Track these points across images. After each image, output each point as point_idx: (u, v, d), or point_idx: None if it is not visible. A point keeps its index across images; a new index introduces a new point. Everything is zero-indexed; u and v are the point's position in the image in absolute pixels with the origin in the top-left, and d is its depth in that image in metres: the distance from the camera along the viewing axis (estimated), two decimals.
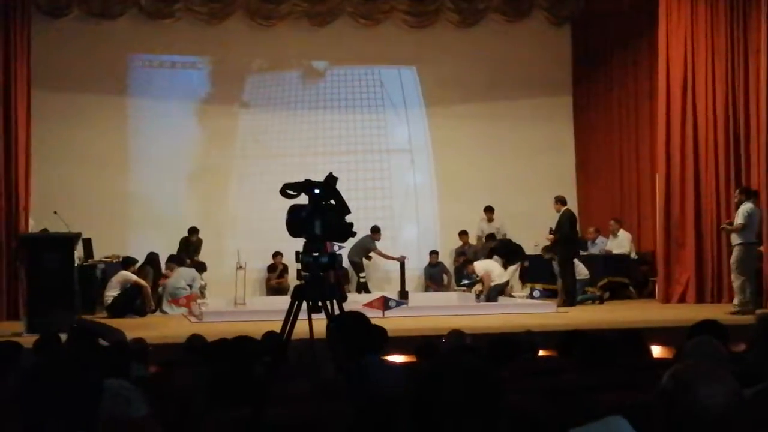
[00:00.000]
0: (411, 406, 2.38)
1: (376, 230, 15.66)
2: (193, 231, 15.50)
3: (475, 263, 14.40)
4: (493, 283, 13.74)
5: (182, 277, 13.67)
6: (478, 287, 14.33)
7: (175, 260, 14.28)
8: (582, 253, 14.80)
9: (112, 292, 13.04)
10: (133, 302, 13.05)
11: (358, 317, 4.47)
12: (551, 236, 13.70)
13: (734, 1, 13.34)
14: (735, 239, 11.81)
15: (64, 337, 6.74)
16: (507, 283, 14.30)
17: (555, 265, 13.84)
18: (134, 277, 13.20)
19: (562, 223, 13.61)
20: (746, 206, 11.74)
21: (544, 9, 17.14)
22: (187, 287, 13.59)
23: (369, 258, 15.85)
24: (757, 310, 11.19)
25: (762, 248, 12.41)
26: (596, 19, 16.81)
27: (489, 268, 14.04)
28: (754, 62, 12.98)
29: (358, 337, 4.31)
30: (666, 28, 13.81)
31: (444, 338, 6.85)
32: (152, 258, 14.52)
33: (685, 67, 13.70)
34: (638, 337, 5.54)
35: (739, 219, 11.73)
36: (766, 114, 12.54)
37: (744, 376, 3.50)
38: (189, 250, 15.36)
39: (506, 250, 15.31)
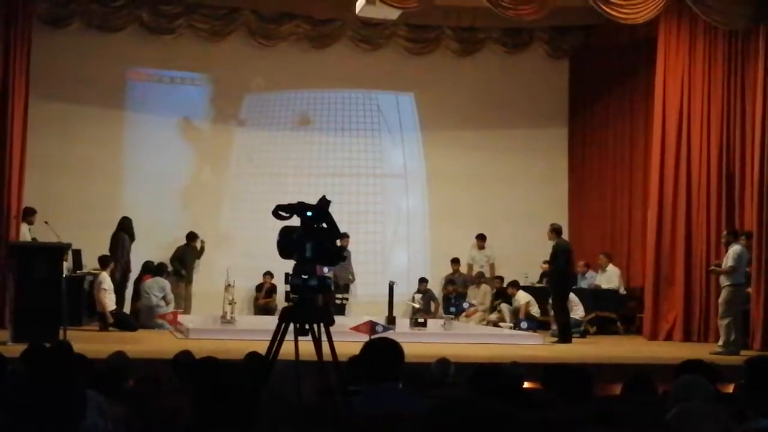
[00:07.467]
0: None
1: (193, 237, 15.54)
2: (193, 237, 15.46)
3: (520, 291, 15.20)
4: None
5: (152, 292, 13.58)
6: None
7: (152, 270, 14.17)
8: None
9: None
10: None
11: (394, 345, 4.46)
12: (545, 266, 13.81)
13: (732, 41, 13.44)
14: (724, 280, 11.78)
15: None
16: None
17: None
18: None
19: (556, 256, 12.95)
20: (735, 248, 11.74)
21: (544, 42, 17.23)
22: (162, 302, 13.55)
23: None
24: (741, 352, 11.23)
25: (750, 290, 12.43)
26: (595, 53, 16.92)
27: (530, 299, 14.99)
28: (750, 101, 13.06)
29: (388, 363, 4.33)
30: (664, 65, 13.90)
31: (432, 366, 6.85)
32: (125, 223, 14.10)
33: (681, 104, 13.78)
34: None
35: (729, 261, 11.70)
36: (760, 154, 12.62)
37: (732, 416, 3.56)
38: (189, 257, 15.29)
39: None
